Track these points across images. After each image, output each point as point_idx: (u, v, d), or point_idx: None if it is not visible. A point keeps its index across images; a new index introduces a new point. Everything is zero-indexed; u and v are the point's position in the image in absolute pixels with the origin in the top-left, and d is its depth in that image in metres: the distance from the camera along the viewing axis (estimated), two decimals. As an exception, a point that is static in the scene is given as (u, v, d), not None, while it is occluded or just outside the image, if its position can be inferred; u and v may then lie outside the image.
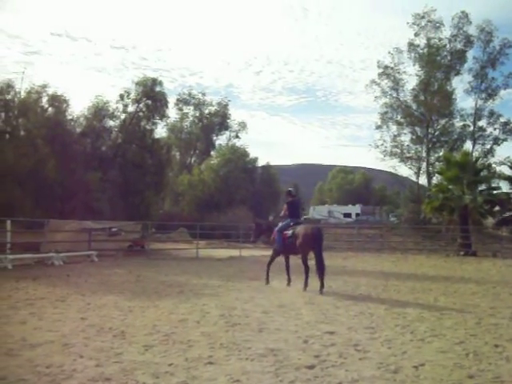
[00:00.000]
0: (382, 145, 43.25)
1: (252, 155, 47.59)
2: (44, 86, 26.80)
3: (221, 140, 52.91)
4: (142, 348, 6.34)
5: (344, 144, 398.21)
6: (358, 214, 68.37)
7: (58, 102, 27.09)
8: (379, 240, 34.00)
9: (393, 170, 44.01)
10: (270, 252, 25.13)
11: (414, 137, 43.34)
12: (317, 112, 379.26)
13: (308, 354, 6.13)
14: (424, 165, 42.72)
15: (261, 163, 49.04)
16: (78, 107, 33.07)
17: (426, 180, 42.88)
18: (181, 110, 51.52)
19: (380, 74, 42.99)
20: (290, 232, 12.46)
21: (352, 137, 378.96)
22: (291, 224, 12.67)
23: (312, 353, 6.21)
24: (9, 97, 25.55)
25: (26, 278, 13.60)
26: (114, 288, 11.97)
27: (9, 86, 25.40)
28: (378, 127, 43.66)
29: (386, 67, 42.78)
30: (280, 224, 13.01)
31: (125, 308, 9.22)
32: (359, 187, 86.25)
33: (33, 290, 11.38)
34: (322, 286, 11.83)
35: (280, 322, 8.12)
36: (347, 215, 68.37)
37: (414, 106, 43.15)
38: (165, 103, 31.98)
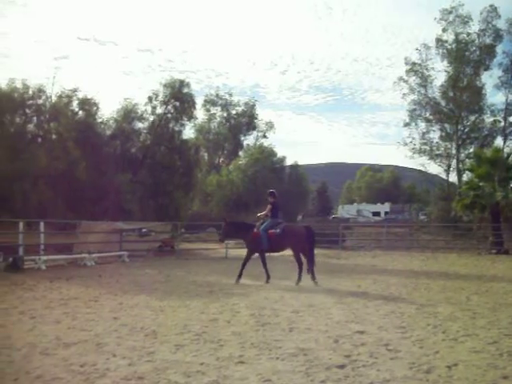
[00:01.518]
0: (411, 142, 42.73)
1: (280, 155, 47.55)
2: (74, 90, 27.23)
3: (248, 140, 53.00)
4: (174, 347, 6.41)
5: (371, 142, 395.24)
6: (386, 213, 67.83)
7: (87, 105, 27.50)
8: (409, 238, 33.65)
9: (422, 168, 43.48)
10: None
11: (443, 134, 42.72)
12: (343, 110, 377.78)
13: (338, 354, 6.11)
14: (454, 162, 42.08)
15: (288, 163, 48.96)
16: (107, 110, 33.31)
17: (456, 177, 42.29)
18: (208, 110, 51.73)
19: (408, 71, 42.47)
20: (278, 231, 13.14)
21: (379, 135, 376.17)
22: (278, 223, 13.41)
23: (342, 352, 6.18)
24: (40, 101, 26.05)
25: (59, 278, 13.86)
26: (145, 288, 12.12)
27: (40, 91, 25.90)
28: (407, 124, 43.14)
29: (414, 64, 42.23)
30: (264, 223, 13.43)
31: (156, 308, 9.33)
32: (388, 185, 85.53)
33: (66, 290, 11.60)
34: (314, 277, 12.90)
35: (310, 321, 8.11)
36: (376, 214, 67.90)
37: (443, 103, 42.52)
38: (192, 104, 32.16)
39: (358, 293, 11.60)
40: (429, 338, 6.99)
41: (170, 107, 31.47)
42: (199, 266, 17.82)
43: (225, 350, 6.29)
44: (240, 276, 13.34)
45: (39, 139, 26.42)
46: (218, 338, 6.86)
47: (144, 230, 24.11)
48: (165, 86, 31.41)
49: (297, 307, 9.43)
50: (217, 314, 8.67)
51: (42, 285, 12.53)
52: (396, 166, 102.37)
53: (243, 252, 23.94)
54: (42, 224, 18.49)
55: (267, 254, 13.92)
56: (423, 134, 42.87)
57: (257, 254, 13.97)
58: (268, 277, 13.34)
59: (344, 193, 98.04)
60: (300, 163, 52.93)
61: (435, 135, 42.96)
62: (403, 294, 11.50)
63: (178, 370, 5.45)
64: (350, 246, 30.35)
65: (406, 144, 42.81)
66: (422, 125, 43.00)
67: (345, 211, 71.50)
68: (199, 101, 43.00)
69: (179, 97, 31.23)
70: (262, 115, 53.25)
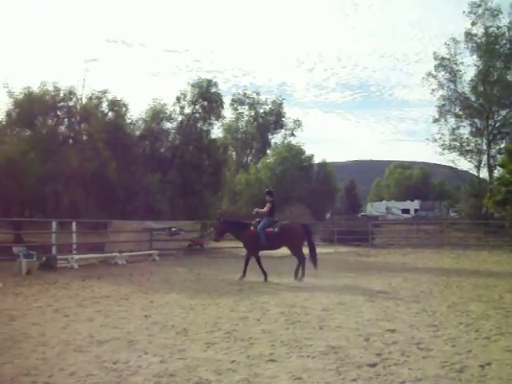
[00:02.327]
0: (441, 138, 42.17)
1: (308, 153, 47.39)
2: (104, 92, 27.60)
3: (276, 138, 52.95)
4: (205, 345, 6.45)
5: (400, 139, 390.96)
6: (416, 210, 66.98)
7: (117, 106, 27.84)
8: (439, 236, 33.20)
9: (452, 164, 42.82)
10: (328, 249, 25.22)
11: (473, 129, 42.03)
12: (371, 107, 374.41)
13: (369, 352, 6.08)
14: (485, 158, 41.36)
15: (317, 161, 48.77)
16: (136, 111, 33.66)
17: (487, 173, 41.59)
18: (236, 109, 51.87)
19: (436, 66, 41.86)
20: (276, 229, 13.44)
21: (408, 131, 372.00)
22: (274, 222, 13.72)
23: (373, 351, 6.15)
24: (71, 103, 26.49)
25: (91, 277, 14.07)
26: (175, 286, 12.24)
27: (71, 93, 26.33)
28: (436, 120, 42.54)
29: (443, 59, 41.60)
30: (261, 222, 13.62)
31: (186, 306, 9.40)
32: (417, 182, 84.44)
33: (98, 289, 11.78)
34: (315, 266, 13.59)
35: (340, 319, 8.08)
36: (405, 211, 67.08)
37: (473, 98, 41.80)
38: (220, 104, 32.26)
39: (388, 291, 11.52)
40: (461, 337, 6.91)
41: (198, 107, 31.63)
42: (228, 265, 17.88)
43: (255, 347, 6.32)
44: (244, 275, 13.51)
45: (70, 140, 26.87)
46: (248, 336, 6.89)
47: (174, 229, 24.28)
48: (193, 85, 31.59)
49: (327, 305, 9.40)
50: (247, 312, 8.70)
51: (75, 283, 12.73)
52: (425, 163, 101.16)
53: (272, 251, 24.01)
54: (74, 224, 18.80)
55: (263, 252, 14.24)
56: (453, 129, 42.26)
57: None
58: (243, 275, 13.53)
59: (373, 190, 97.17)
60: (328, 161, 52.74)
61: (465, 131, 42.34)
62: (434, 292, 11.36)
63: (208, 367, 5.49)
64: (380, 243, 30.11)
65: (435, 140, 42.28)
66: (452, 120, 42.41)
67: (374, 209, 70.85)
68: (227, 100, 43.08)
69: (207, 96, 31.36)
70: (290, 113, 53.35)
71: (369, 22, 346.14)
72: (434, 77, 42.11)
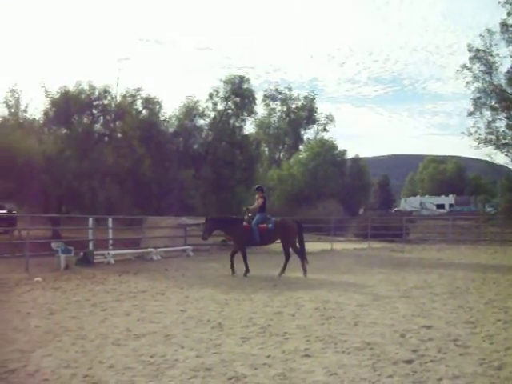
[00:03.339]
0: (476, 132, 41.09)
1: (340, 148, 47.14)
2: (138, 90, 27.87)
3: (309, 134, 52.82)
4: (240, 340, 6.51)
5: (434, 133, 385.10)
6: (451, 205, 65.86)
7: (151, 104, 28.11)
8: (475, 231, 32.61)
9: (488, 158, 41.66)
10: (361, 245, 25.06)
11: (510, 122, 40.96)
12: (404, 101, 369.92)
13: (405, 349, 6.04)
14: (522, 151, 40.30)
15: (349, 156, 48.46)
16: (169, 108, 33.90)
17: (524, 167, 40.52)
18: (268, 105, 51.85)
19: (471, 58, 40.78)
20: (270, 225, 13.58)
21: (442, 125, 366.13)
22: (267, 218, 13.81)
23: (409, 347, 6.10)
24: (106, 101, 26.83)
25: (127, 272, 14.29)
26: (209, 281, 12.34)
27: (106, 92, 26.67)
28: (471, 114, 41.47)
29: (478, 50, 40.58)
30: (255, 218, 13.67)
31: (221, 301, 9.49)
32: (452, 177, 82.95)
33: (134, 284, 11.96)
34: (304, 269, 13.38)
35: (375, 315, 8.04)
36: (440, 206, 66.06)
37: (510, 90, 40.74)
38: (253, 100, 32.23)
39: (423, 287, 11.40)
40: (499, 334, 6.80)
41: (230, 103, 31.68)
42: (262, 260, 17.90)
43: (290, 343, 6.34)
44: (248, 271, 13.56)
45: (106, 138, 27.25)
46: (283, 331, 6.92)
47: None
48: (225, 82, 31.65)
49: (361, 301, 9.37)
50: (281, 308, 8.73)
51: (112, 278, 12.96)
52: (460, 157, 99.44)
53: (306, 246, 23.96)
54: (110, 220, 19.11)
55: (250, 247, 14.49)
56: (489, 122, 41.13)
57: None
58: (247, 270, 13.59)
59: (406, 185, 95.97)
60: (361, 156, 52.36)
61: (501, 124, 41.17)
62: (471, 289, 11.20)
63: (244, 362, 5.54)
64: (414, 239, 29.76)
65: (470, 134, 41.18)
66: (488, 113, 41.22)
67: (407, 204, 69.95)
68: (259, 96, 43.06)
69: (239, 92, 31.38)
70: (321, 108, 53.05)
71: (400, 14, 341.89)
72: (469, 69, 41.05)
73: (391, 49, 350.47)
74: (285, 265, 13.60)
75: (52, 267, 14.62)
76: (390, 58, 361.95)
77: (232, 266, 13.67)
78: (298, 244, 14.05)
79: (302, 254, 13.83)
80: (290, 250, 13.96)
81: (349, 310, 8.44)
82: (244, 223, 13.77)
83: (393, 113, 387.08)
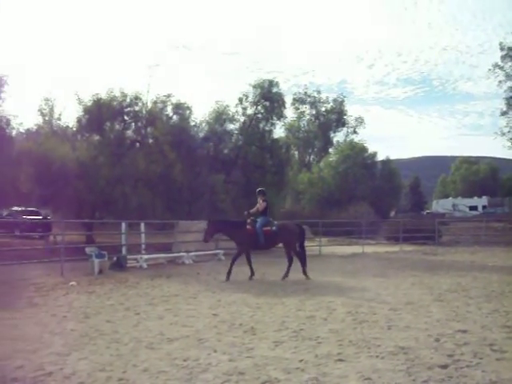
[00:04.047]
0: (509, 132, 40.38)
1: (370, 150, 46.80)
2: (168, 96, 28.19)
3: (338, 137, 52.62)
4: (272, 344, 6.50)
5: (465, 133, 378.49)
6: (484, 207, 64.55)
7: (181, 109, 28.39)
8: (509, 233, 31.91)
9: (522, 159, 40.98)
10: (393, 248, 24.77)
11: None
12: (434, 102, 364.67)
13: (440, 353, 5.94)
14: (558, 151, 39.37)
15: (380, 158, 48.07)
16: (199, 113, 34.05)
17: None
18: (297, 109, 51.80)
19: (503, 57, 40.00)
20: (274, 228, 13.58)
21: (473, 125, 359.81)
22: (269, 221, 13.78)
23: (444, 352, 6.01)
24: (137, 108, 27.20)
25: (160, 276, 14.42)
26: (241, 285, 12.37)
27: (137, 98, 27.04)
28: (504, 113, 40.69)
29: (510, 49, 39.82)
30: (259, 221, 13.58)
31: (253, 305, 9.49)
32: (485, 178, 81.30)
33: (167, 288, 12.06)
34: (305, 272, 13.50)
35: (409, 319, 7.95)
36: (473, 208, 64.81)
37: (544, 88, 39.79)
38: (282, 104, 32.23)
39: (457, 290, 11.22)
40: (538, 339, 6.64)
41: (259, 107, 31.74)
42: (294, 264, 17.88)
43: (323, 347, 6.31)
44: (253, 274, 13.57)
45: (137, 144, 27.61)
46: (315, 335, 6.89)
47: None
48: (254, 86, 31.72)
49: (394, 305, 9.27)
50: (313, 312, 8.70)
51: (145, 282, 13.09)
52: (493, 158, 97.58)
53: (336, 250, 23.86)
54: (142, 224, 19.33)
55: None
56: (522, 122, 40.37)
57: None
58: (252, 273, 13.56)
59: (438, 187, 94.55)
60: (391, 158, 51.86)
61: (536, 123, 40.31)
62: (506, 292, 10.97)
63: (277, 366, 5.53)
64: (447, 241, 29.31)
65: (503, 134, 40.49)
66: (521, 112, 40.50)
67: (439, 206, 68.86)
68: (288, 99, 43.09)
69: (269, 97, 31.42)
70: (351, 111, 52.70)
71: (429, 14, 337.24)
72: (501, 68, 40.35)
73: (420, 49, 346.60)
74: (288, 268, 13.64)
75: (86, 272, 14.85)
76: (419, 59, 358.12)
77: (229, 272, 13.47)
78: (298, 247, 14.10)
79: (302, 257, 13.85)
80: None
81: (382, 314, 8.36)
82: (248, 226, 13.68)
83: (423, 114, 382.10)
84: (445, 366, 5.42)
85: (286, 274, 13.52)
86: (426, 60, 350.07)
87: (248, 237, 13.60)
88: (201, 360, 5.79)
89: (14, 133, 24.56)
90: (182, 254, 18.64)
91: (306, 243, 26.14)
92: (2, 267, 14.18)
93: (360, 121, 52.14)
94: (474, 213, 61.42)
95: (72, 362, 5.77)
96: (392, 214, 48.00)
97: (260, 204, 13.83)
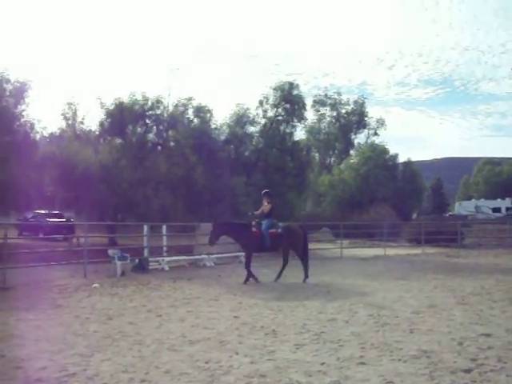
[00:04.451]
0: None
1: (391, 152, 46.42)
2: (189, 99, 28.34)
3: (359, 138, 52.24)
4: (294, 346, 6.50)
5: (487, 134, 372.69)
6: (508, 209, 63.48)
7: (202, 112, 28.52)
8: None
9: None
10: (415, 250, 24.56)
11: None
12: (456, 103, 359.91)
13: (464, 357, 5.89)
14: None
15: (401, 159, 47.65)
16: (220, 116, 34.15)
17: None
18: (318, 111, 51.58)
19: (527, 56, 39.55)
20: (279, 230, 13.56)
21: (496, 126, 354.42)
22: (274, 223, 13.74)
23: (468, 356, 5.95)
24: (159, 111, 27.43)
25: (181, 278, 14.47)
26: (262, 287, 12.38)
27: (158, 102, 27.27)
28: (528, 114, 40.19)
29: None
30: (264, 223, 13.49)
31: (274, 307, 9.49)
32: (509, 179, 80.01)
33: (188, 290, 12.12)
34: (307, 276, 13.56)
35: (431, 322, 7.88)
36: (496, 210, 63.79)
37: None
38: (302, 106, 32.20)
39: (481, 293, 11.10)
40: None
41: (280, 110, 31.74)
42: (314, 266, 17.75)
43: (345, 350, 6.29)
44: (255, 277, 13.41)
45: (159, 147, 27.83)
46: (337, 338, 6.87)
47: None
48: (275, 89, 31.75)
49: (417, 308, 9.20)
50: (335, 314, 8.67)
51: (166, 284, 13.15)
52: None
53: (357, 252, 23.73)
54: (164, 227, 19.43)
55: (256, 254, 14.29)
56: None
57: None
58: (253, 277, 13.41)
59: (461, 189, 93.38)
60: (413, 160, 51.34)
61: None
62: (532, 295, 10.80)
63: (299, 369, 5.53)
64: (470, 244, 28.93)
65: (528, 134, 39.96)
66: (546, 113, 39.89)
67: (462, 208, 67.91)
68: (308, 101, 43.04)
69: (289, 99, 31.40)
70: (371, 112, 52.29)
71: (450, 14, 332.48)
72: (525, 67, 39.74)
73: (441, 50, 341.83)
74: (281, 270, 13.76)
75: (109, 273, 14.98)
76: (440, 59, 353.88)
77: (251, 277, 13.40)
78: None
79: (304, 261, 13.91)
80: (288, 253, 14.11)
81: (404, 317, 8.30)
82: (253, 229, 13.60)
83: (444, 115, 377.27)
84: (468, 371, 5.37)
85: (279, 276, 13.61)
86: (448, 60, 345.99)
87: (254, 239, 13.53)
88: (222, 362, 5.82)
89: (37, 137, 24.88)
90: (203, 256, 18.69)
91: (327, 245, 26.14)
92: (27, 269, 14.37)
93: (381, 122, 51.77)
94: (497, 215, 60.49)
95: (95, 363, 5.84)
96: (414, 216, 47.48)
97: (265, 206, 13.78)
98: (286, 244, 13.97)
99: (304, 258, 13.98)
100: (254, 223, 13.74)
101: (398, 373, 5.32)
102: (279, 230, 13.61)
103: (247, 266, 13.56)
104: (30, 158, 21.51)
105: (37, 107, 40.09)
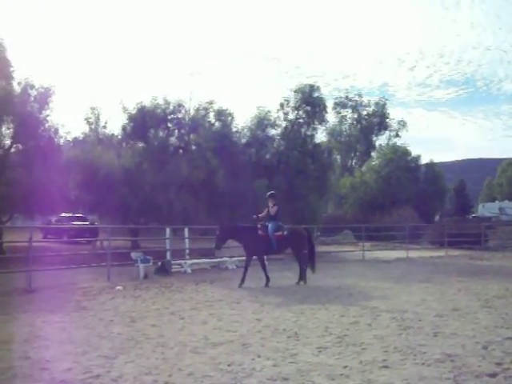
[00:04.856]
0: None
1: (413, 153, 46.04)
2: (210, 103, 28.51)
3: (381, 140, 51.92)
4: (316, 349, 6.49)
5: (511, 135, 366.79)
6: (533, 210, 62.49)
7: (223, 116, 28.66)
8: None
9: None
10: (438, 253, 24.32)
11: None
12: (478, 103, 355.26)
13: (488, 361, 5.82)
14: None
15: (423, 161, 47.24)
16: (241, 119, 34.23)
17: None
18: (339, 113, 51.44)
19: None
20: (285, 233, 13.52)
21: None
22: (280, 225, 13.65)
23: (493, 360, 5.88)
24: (180, 115, 27.66)
25: (203, 281, 14.52)
26: (284, 290, 12.37)
27: (180, 105, 27.51)
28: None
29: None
30: (270, 225, 13.41)
31: (296, 310, 9.48)
32: (533, 180, 78.73)
33: (211, 293, 12.16)
34: (303, 279, 13.52)
35: (455, 326, 7.80)
36: (521, 211, 62.81)
37: None
38: (323, 108, 32.11)
39: (506, 296, 10.95)
40: None
41: (301, 112, 31.69)
42: (336, 269, 17.77)
43: (368, 353, 6.27)
44: (243, 281, 13.25)
45: (181, 151, 28.03)
46: (360, 342, 6.85)
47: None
48: (295, 91, 31.72)
49: (440, 311, 9.12)
50: (357, 317, 8.64)
51: (189, 287, 13.21)
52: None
53: (379, 254, 23.59)
54: (186, 230, 19.54)
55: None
56: None
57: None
58: (268, 280, 13.33)
59: (484, 190, 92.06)
60: (435, 161, 50.86)
61: None
62: (560, 299, 10.63)
63: (321, 372, 5.52)
64: (494, 246, 28.57)
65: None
66: None
67: (486, 210, 66.98)
68: (329, 104, 42.91)
69: (310, 101, 31.34)
70: (393, 114, 51.95)
71: (472, 13, 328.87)
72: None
73: (463, 50, 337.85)
74: (304, 272, 13.71)
75: (132, 276, 15.12)
76: (462, 60, 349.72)
77: (266, 277, 13.39)
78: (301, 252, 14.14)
79: (311, 262, 14.04)
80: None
81: (427, 321, 8.23)
82: (259, 232, 13.54)
83: (467, 115, 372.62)
84: (493, 375, 5.30)
85: (303, 279, 13.58)
86: (469, 60, 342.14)
87: (261, 242, 13.50)
88: (245, 365, 5.83)
89: (61, 141, 25.23)
90: (225, 259, 18.75)
91: (349, 248, 26.06)
92: (51, 272, 14.58)
93: (402, 124, 51.39)
94: (522, 216, 59.57)
95: (119, 365, 5.90)
96: (437, 218, 47.00)
97: (271, 208, 13.73)
98: (291, 246, 13.99)
99: (310, 259, 14.06)
100: (259, 226, 13.68)
101: (421, 377, 5.28)
102: (285, 233, 13.60)
103: (263, 269, 13.59)
104: (54, 163, 21.81)
105: (61, 112, 40.58)
